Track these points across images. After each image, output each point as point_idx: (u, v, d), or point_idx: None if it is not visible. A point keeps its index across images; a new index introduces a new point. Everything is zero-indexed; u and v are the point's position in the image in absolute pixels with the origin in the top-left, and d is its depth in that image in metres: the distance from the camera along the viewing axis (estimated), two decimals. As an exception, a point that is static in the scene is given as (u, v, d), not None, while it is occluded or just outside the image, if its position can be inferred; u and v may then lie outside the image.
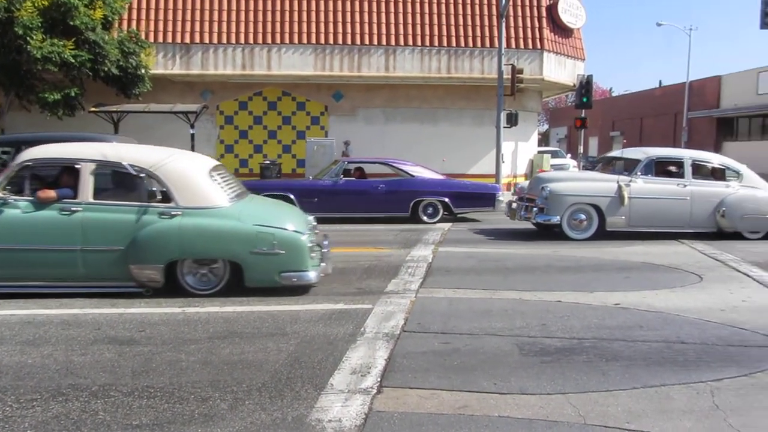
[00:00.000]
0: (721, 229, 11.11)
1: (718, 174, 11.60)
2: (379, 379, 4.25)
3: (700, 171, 11.53)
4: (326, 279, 7.43)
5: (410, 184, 13.45)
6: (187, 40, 19.08)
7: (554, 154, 28.35)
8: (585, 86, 20.73)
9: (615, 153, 14.32)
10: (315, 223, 7.42)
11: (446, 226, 12.92)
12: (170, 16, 19.05)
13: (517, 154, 22.19)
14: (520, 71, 18.42)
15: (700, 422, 3.68)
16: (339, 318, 5.77)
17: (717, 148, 38.50)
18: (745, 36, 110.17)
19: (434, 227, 12.58)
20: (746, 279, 7.75)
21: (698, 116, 39.30)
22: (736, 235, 11.11)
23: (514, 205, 11.96)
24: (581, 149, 24.53)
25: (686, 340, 5.23)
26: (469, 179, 16.15)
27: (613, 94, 66.67)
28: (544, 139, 57.59)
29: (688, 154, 11.79)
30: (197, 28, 19.15)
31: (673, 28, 41.87)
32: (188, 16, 19.13)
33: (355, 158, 16.10)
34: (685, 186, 11.10)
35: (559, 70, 20.98)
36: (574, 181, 11.64)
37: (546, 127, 66.84)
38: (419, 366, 4.55)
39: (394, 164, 13.97)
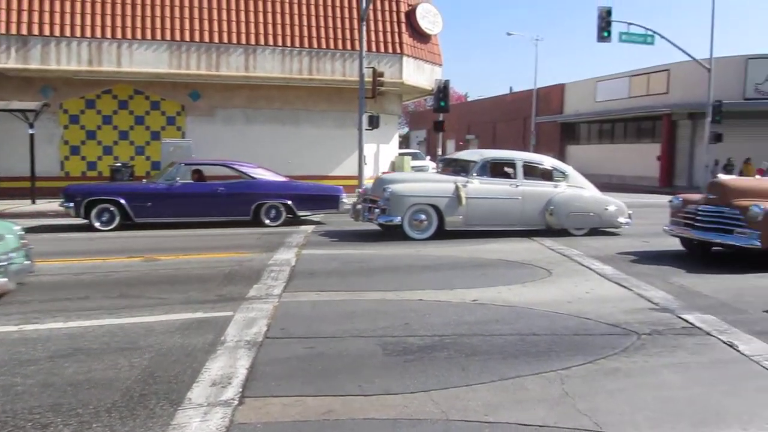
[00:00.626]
0: (550, 226, 11.83)
1: (547, 175, 12.35)
2: (240, 390, 4.09)
3: (531, 172, 12.16)
4: (184, 286, 7.11)
5: (251, 186, 13.07)
6: (24, 31, 17.48)
7: (414, 156, 29.13)
8: (442, 91, 21.43)
9: (453, 155, 14.71)
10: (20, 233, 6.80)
11: (309, 228, 12.83)
12: (3, 4, 17.37)
13: (379, 156, 22.54)
14: (381, 74, 18.73)
15: (552, 410, 3.88)
16: (198, 327, 5.50)
17: (562, 151, 41.51)
18: (586, 47, 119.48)
19: (298, 229, 12.45)
20: (589, 272, 8.35)
21: (545, 121, 42.13)
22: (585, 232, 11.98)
23: (359, 206, 12.01)
24: (439, 151, 25.36)
25: (538, 332, 5.52)
26: (325, 181, 16.17)
27: (469, 99, 69.66)
28: (404, 142, 59.05)
29: (519, 156, 12.41)
30: (36, 18, 17.58)
31: (522, 38, 44.51)
32: (25, 5, 17.52)
33: (194, 160, 15.39)
34: (517, 186, 11.70)
35: (418, 74, 21.57)
36: (415, 182, 11.84)
37: (406, 129, 68.60)
38: (283, 373, 4.44)
39: (234, 166, 13.51)
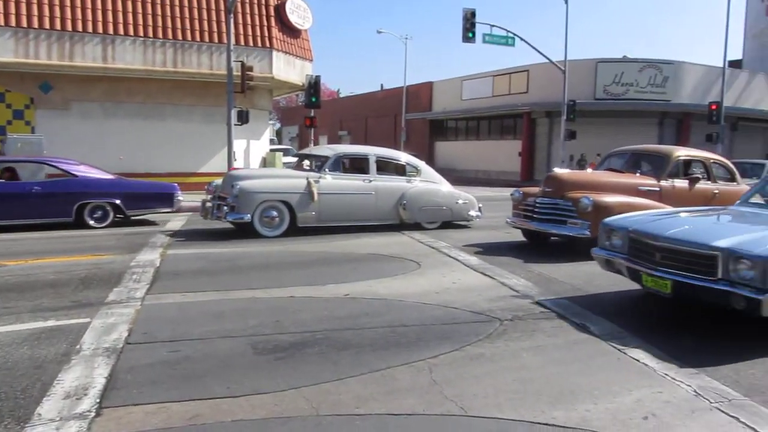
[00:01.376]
0: (403, 220, 11.98)
1: (401, 170, 12.44)
2: (98, 401, 3.84)
3: (385, 167, 12.22)
4: (34, 293, 6.57)
5: (73, 185, 11.94)
6: None
7: (286, 152, 28.79)
8: (313, 86, 21.36)
9: (306, 150, 14.54)
10: None
11: (177, 225, 12.32)
12: None
13: (249, 153, 22.09)
14: (250, 69, 18.32)
15: (421, 398, 3.98)
16: (49, 337, 5.11)
17: (431, 147, 42.80)
18: (454, 47, 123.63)
19: (164, 228, 11.91)
20: (456, 263, 8.65)
21: (415, 118, 43.21)
22: (447, 225, 12.40)
23: (209, 204, 11.47)
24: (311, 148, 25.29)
25: (407, 323, 5.64)
26: (193, 179, 15.58)
27: (341, 96, 70.04)
28: (277, 138, 58.34)
29: (372, 152, 12.35)
30: None
31: (392, 36, 45.32)
32: None
33: (4, 157, 13.97)
34: (370, 181, 11.70)
35: (288, 69, 21.34)
36: (265, 178, 11.47)
37: (278, 125, 67.79)
38: (145, 379, 4.22)
39: (53, 163, 12.33)
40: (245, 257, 9.06)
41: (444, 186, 12.73)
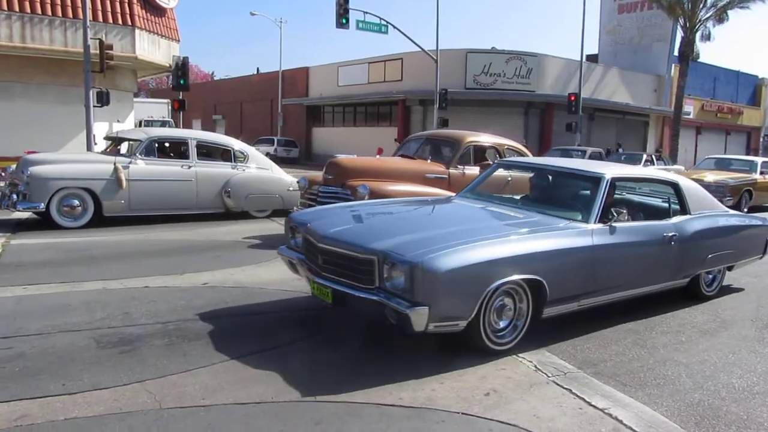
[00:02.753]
0: (229, 209, 11.30)
1: (226, 155, 11.59)
2: None
3: (209, 152, 11.58)
4: None
5: None
6: None
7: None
8: (181, 68, 20.49)
9: (118, 133, 13.07)
10: None
11: (25, 214, 11.40)
12: None
13: (112, 136, 20.85)
14: (110, 47, 17.20)
15: (271, 385, 3.93)
16: None
17: (308, 133, 42.53)
18: (330, 32, 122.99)
19: (11, 216, 10.98)
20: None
21: (291, 103, 42.69)
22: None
23: (6, 191, 10.30)
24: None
25: (266, 311, 5.57)
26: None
27: (216, 78, 67.86)
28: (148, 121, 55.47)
29: (192, 135, 11.52)
30: None
31: (267, 20, 44.38)
32: None
33: None
34: (189, 167, 10.83)
35: (153, 49, 20.29)
36: (64, 163, 10.28)
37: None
38: (-33, 381, 3.87)
39: None
40: (99, 247, 8.55)
41: (275, 172, 12.02)
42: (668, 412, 3.92)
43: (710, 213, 6.48)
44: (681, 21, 33.84)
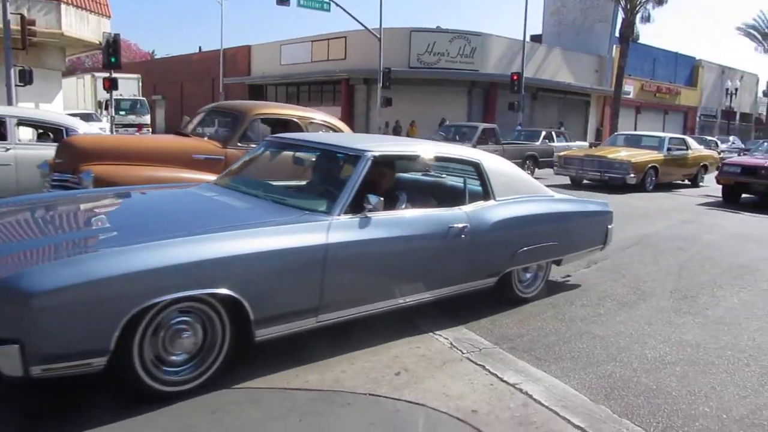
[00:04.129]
0: None
1: (58, 135, 9.20)
2: None
3: (44, 132, 9.82)
4: None
5: None
6: None
7: (87, 117, 26.41)
8: (112, 45, 19.67)
9: None
10: None
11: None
12: None
13: (39, 116, 19.94)
14: (32, 22, 16.38)
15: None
16: None
17: (251, 113, 41.68)
18: (272, 10, 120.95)
19: None
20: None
21: (233, 82, 41.75)
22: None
23: None
24: (113, 112, 23.49)
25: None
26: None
27: (156, 57, 65.89)
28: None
29: (11, 113, 9.44)
30: None
31: (206, -5, 43.21)
32: None
33: None
34: (7, 149, 8.81)
35: (81, 25, 19.45)
36: None
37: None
38: None
39: None
40: None
41: None
42: (579, 385, 3.90)
43: (523, 198, 5.25)
44: (622, 2, 34.49)
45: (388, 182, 4.84)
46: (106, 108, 30.12)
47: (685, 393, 3.86)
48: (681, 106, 49.60)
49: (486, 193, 4.99)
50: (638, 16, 35.21)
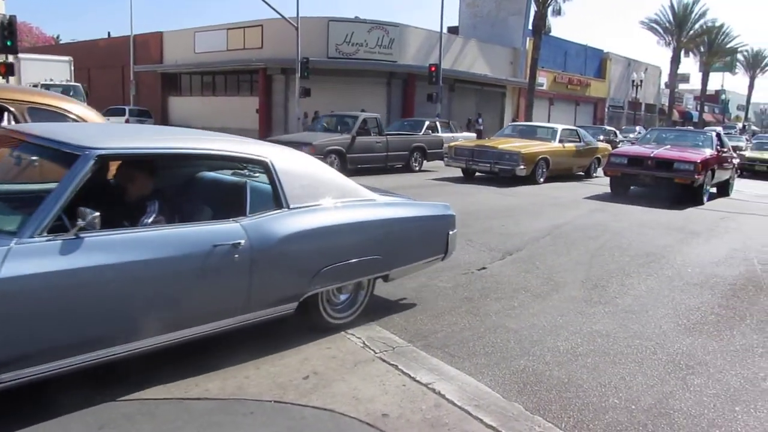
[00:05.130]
0: None
1: None
2: None
3: None
4: None
5: None
6: None
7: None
8: (8, 27, 18.35)
9: None
10: None
11: None
12: None
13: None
14: None
15: (54, 392, 3.40)
16: None
17: (164, 102, 40.25)
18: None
19: None
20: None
21: (144, 70, 40.00)
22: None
23: None
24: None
25: None
26: None
27: (61, 42, 62.42)
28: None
29: None
30: None
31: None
32: None
33: None
34: None
35: (-29, 6, 18.03)
36: None
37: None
38: None
39: None
40: None
41: None
42: (492, 381, 3.84)
43: (330, 205, 4.23)
44: (534, -5, 35.34)
45: (136, 189, 3.87)
46: None
47: (595, 385, 3.86)
48: (591, 98, 51.42)
49: (277, 200, 3.95)
50: (549, 9, 36.23)
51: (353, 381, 3.66)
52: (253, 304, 3.77)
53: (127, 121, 35.25)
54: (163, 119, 39.73)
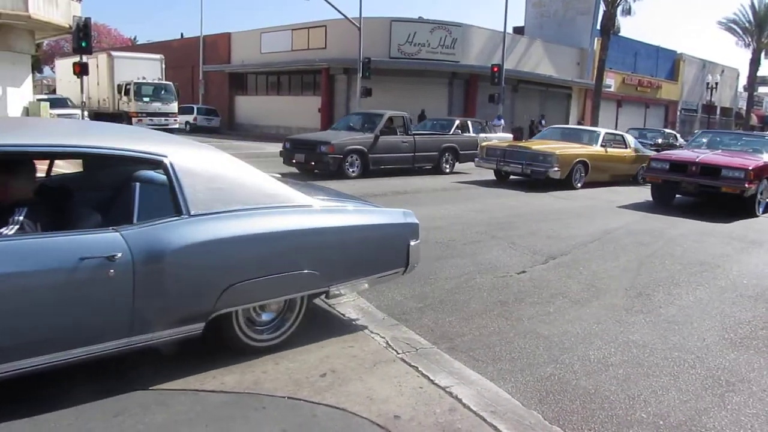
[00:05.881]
0: None
1: None
2: None
3: None
4: None
5: None
6: None
7: (58, 103, 25.88)
8: (83, 29, 19.25)
9: None
10: None
11: None
12: None
13: (6, 101, 19.45)
14: (-4, 4, 15.90)
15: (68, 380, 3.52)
16: None
17: (231, 101, 41.28)
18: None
19: None
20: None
21: (213, 70, 41.17)
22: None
23: None
24: (84, 98, 22.97)
25: None
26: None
27: (138, 44, 64.92)
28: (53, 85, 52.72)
29: None
30: None
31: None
32: None
33: None
34: None
35: (49, 8, 18.88)
36: None
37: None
38: None
39: None
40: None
41: None
42: (514, 388, 3.74)
43: (245, 211, 3.66)
44: (603, -6, 34.41)
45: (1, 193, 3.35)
46: (126, 93, 27.98)
47: (624, 397, 3.70)
48: (662, 100, 49.69)
49: (176, 205, 3.40)
50: (619, 9, 35.17)
51: (370, 381, 3.64)
52: (142, 326, 3.27)
53: (195, 120, 36.34)
54: (230, 117, 40.78)
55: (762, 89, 65.84)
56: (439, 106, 32.35)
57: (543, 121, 33.81)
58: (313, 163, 14.31)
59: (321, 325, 4.32)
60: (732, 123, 57.28)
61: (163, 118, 27.86)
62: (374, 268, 4.31)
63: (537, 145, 14.86)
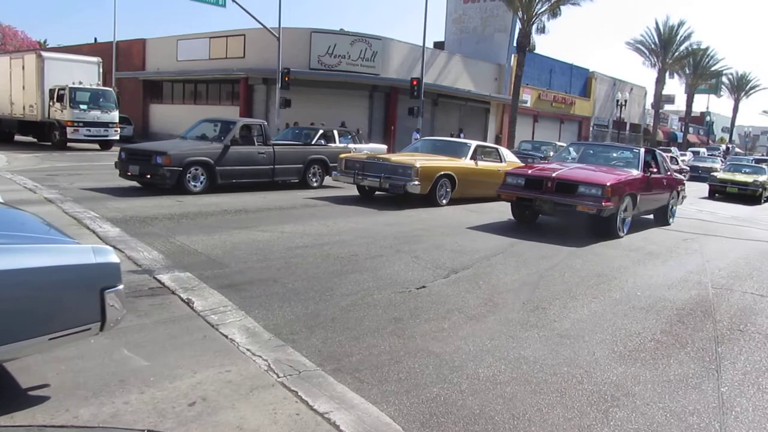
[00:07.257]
0: None
1: None
2: None
3: None
4: None
5: None
6: None
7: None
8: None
9: None
10: None
11: None
12: None
13: None
14: None
15: None
16: None
17: (145, 109, 39.89)
18: (171, 4, 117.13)
19: None
20: (92, 235, 7.67)
21: (127, 77, 39.70)
22: (118, 192, 11.22)
23: None
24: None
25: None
26: None
27: (47, 47, 61.88)
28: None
29: None
30: None
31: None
32: None
33: None
34: None
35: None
36: None
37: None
38: None
39: None
40: None
41: None
42: (397, 411, 3.59)
43: None
44: (519, 13, 35.44)
45: None
46: (59, 99, 24.45)
47: (508, 417, 3.62)
48: (576, 116, 51.55)
49: None
50: (534, 27, 36.30)
51: (243, 409, 3.40)
52: None
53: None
54: (144, 127, 39.39)
55: (668, 107, 69.56)
56: (359, 118, 32.32)
57: (462, 135, 34.34)
58: (149, 176, 12.35)
59: (196, 347, 4.05)
60: (641, 138, 60.10)
61: (102, 129, 25.27)
62: (39, 329, 3.10)
63: (398, 156, 13.75)
